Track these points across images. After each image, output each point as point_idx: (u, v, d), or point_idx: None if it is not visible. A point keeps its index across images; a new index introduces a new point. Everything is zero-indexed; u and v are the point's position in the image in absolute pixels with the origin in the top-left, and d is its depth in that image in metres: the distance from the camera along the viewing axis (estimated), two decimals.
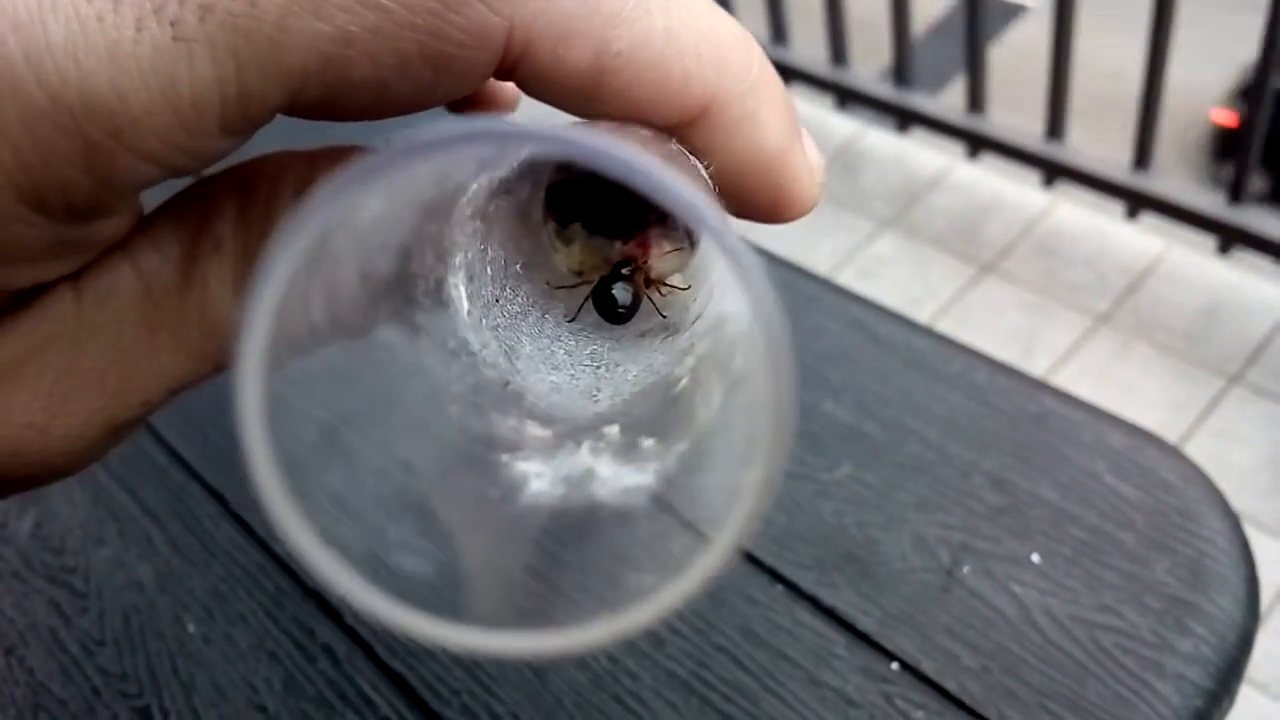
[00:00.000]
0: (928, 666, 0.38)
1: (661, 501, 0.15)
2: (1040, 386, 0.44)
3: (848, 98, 1.85)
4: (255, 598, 0.46)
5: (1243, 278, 1.57)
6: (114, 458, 0.55)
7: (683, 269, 0.20)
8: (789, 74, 1.88)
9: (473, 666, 0.42)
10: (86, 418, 0.16)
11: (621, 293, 0.19)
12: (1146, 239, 1.65)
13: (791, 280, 0.52)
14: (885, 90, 1.78)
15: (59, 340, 0.16)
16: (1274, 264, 1.49)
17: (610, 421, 0.17)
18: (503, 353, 0.18)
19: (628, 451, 0.16)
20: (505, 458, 0.16)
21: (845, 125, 1.92)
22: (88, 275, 0.16)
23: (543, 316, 0.19)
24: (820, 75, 1.84)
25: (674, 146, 0.16)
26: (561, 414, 0.17)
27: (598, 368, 0.19)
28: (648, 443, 0.16)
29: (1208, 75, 1.76)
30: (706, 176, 0.17)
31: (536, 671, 0.41)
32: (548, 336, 0.19)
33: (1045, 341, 1.54)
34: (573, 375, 0.19)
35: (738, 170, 0.16)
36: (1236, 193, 1.46)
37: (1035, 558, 0.40)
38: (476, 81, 0.15)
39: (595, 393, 0.18)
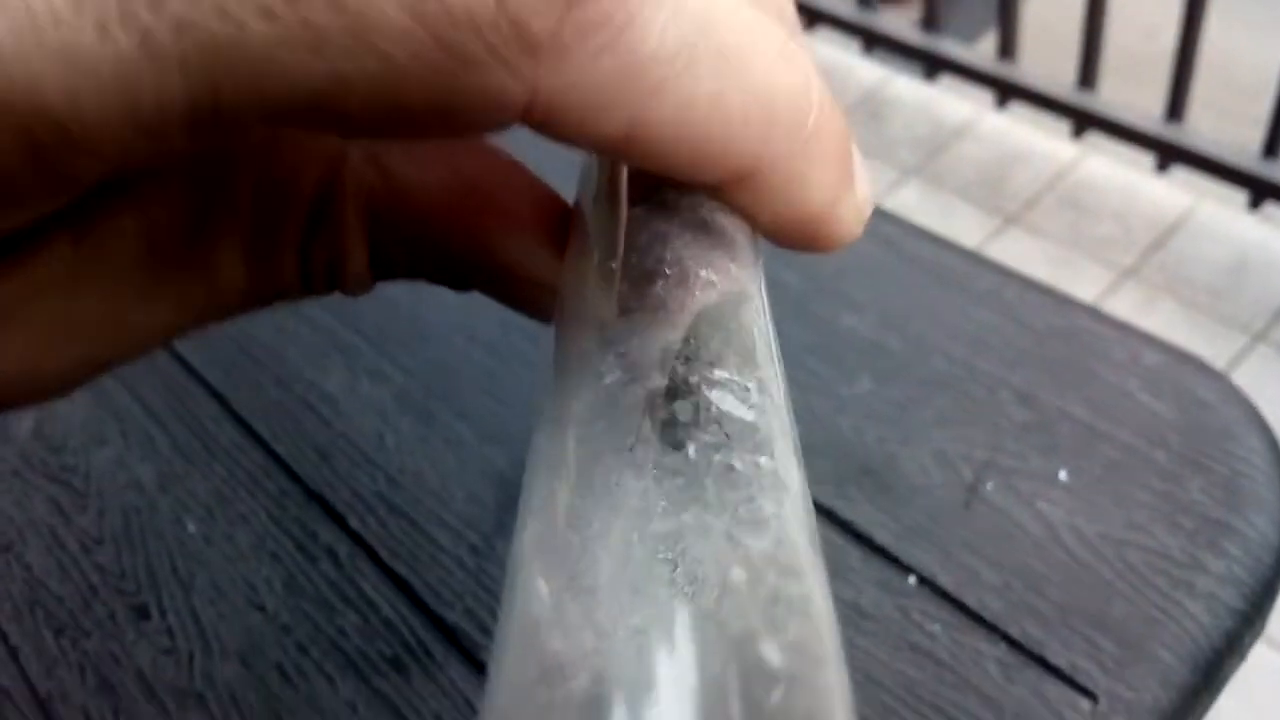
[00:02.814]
0: (946, 581, 0.37)
1: None
2: (1072, 304, 0.43)
3: (875, 42, 1.81)
4: (257, 499, 0.45)
5: (1272, 234, 1.54)
6: None
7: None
8: (814, 17, 1.84)
9: (477, 571, 0.41)
10: (78, 362, 0.16)
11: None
12: (1176, 193, 1.61)
13: None
14: (914, 35, 1.74)
15: (54, 287, 0.15)
16: None
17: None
18: (588, 624, 0.13)
19: None
20: None
21: (872, 71, 1.88)
22: (88, 222, 0.15)
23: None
24: (847, 18, 1.79)
25: (705, 214, 0.15)
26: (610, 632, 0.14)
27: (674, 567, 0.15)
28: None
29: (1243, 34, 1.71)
30: (749, 240, 0.15)
31: None
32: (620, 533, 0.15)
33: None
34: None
35: (774, 227, 0.15)
36: (1271, 146, 1.42)
37: (1063, 475, 0.38)
38: (490, 132, 0.14)
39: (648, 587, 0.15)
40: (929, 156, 1.75)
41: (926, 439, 0.41)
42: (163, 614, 0.43)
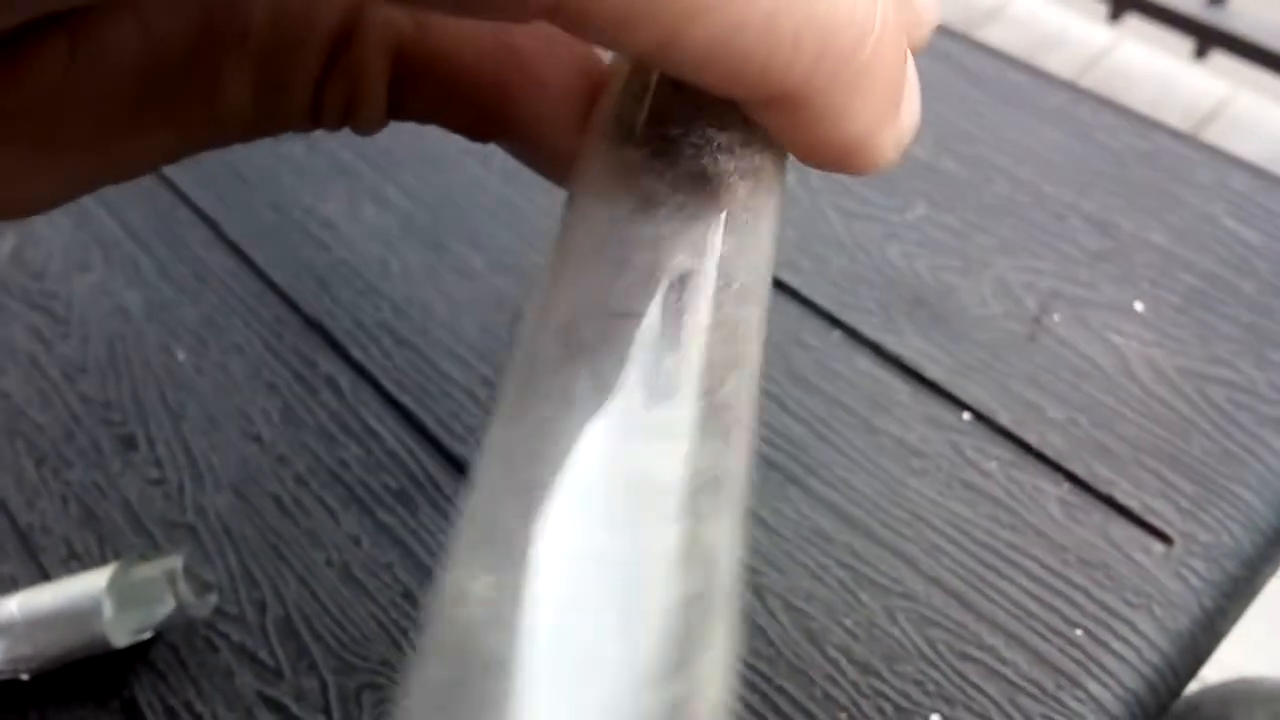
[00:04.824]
0: (1005, 418, 0.34)
1: None
2: (1152, 123, 0.38)
3: None
4: (252, 327, 0.42)
5: None
6: None
7: None
8: None
9: (490, 404, 0.38)
10: (65, 182, 0.15)
11: None
12: (1213, 82, 1.54)
13: None
14: None
15: (45, 100, 0.14)
16: None
17: None
18: None
19: None
20: None
21: None
22: (87, 32, 0.14)
23: None
24: None
25: (706, 162, 0.14)
26: None
27: None
28: None
29: None
30: (773, 167, 0.14)
31: None
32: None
33: None
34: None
35: (803, 151, 0.14)
36: None
37: (1138, 306, 0.35)
38: (509, 22, 0.13)
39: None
40: None
41: (987, 268, 0.37)
42: (151, 444, 0.40)
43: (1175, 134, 0.38)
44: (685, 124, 0.14)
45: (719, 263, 0.13)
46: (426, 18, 0.16)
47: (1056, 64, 1.62)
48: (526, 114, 0.17)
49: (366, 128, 0.17)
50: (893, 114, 0.14)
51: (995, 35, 1.67)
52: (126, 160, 0.16)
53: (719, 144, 0.14)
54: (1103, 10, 1.58)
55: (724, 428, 0.12)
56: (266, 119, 0.16)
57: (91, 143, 0.15)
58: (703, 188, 0.14)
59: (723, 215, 0.14)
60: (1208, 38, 1.46)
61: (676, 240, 0.13)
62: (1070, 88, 0.40)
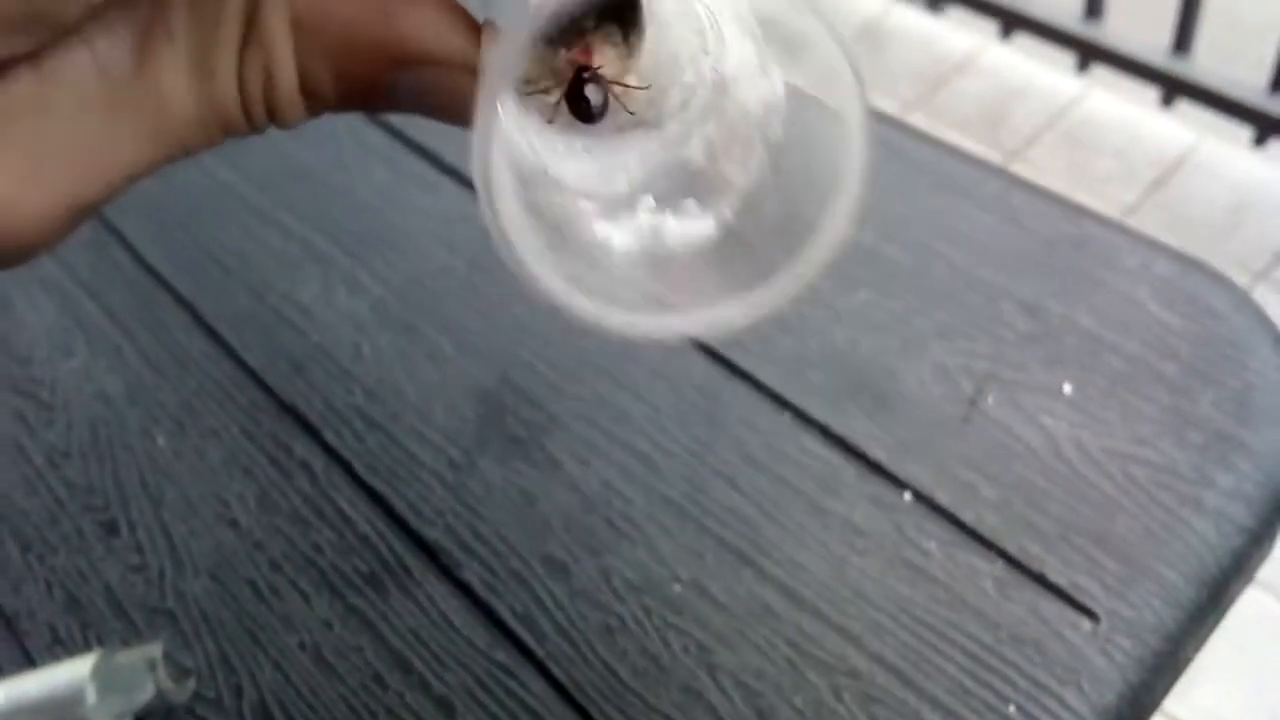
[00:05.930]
0: (943, 498, 0.36)
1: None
2: (1081, 210, 0.41)
3: None
4: (229, 412, 0.43)
5: (1275, 172, 1.51)
6: (82, 266, 0.52)
7: (631, 70, 0.21)
8: None
9: (457, 487, 0.40)
10: (53, 196, 0.18)
11: (594, 94, 0.20)
12: (1179, 130, 1.58)
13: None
14: None
15: (23, 117, 0.17)
16: None
17: (641, 193, 0.20)
18: (529, 145, 0.20)
19: (679, 210, 0.19)
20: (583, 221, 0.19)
21: (872, 0, 1.83)
22: (46, 57, 0.17)
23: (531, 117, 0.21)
24: None
25: None
26: (595, 193, 0.20)
27: (594, 157, 0.21)
28: (691, 203, 0.19)
29: None
30: None
31: (524, 494, 0.39)
32: (543, 133, 0.20)
33: None
34: (579, 165, 0.21)
35: None
36: (1279, 81, 1.39)
37: (1067, 388, 0.37)
38: None
39: (611, 177, 0.21)
40: (929, 90, 1.71)
41: (925, 351, 0.39)
42: (132, 529, 0.41)
43: (1102, 220, 0.40)
44: None
45: None
46: None
47: (1026, 113, 1.65)
48: (411, 31, 0.18)
49: (288, 111, 0.19)
50: None
51: (966, 86, 1.71)
52: (103, 170, 0.18)
53: None
54: (1071, 61, 1.62)
55: None
56: (206, 112, 0.19)
57: (70, 152, 0.18)
58: None
59: None
60: (1173, 87, 1.50)
61: None
62: (1003, 175, 0.42)
